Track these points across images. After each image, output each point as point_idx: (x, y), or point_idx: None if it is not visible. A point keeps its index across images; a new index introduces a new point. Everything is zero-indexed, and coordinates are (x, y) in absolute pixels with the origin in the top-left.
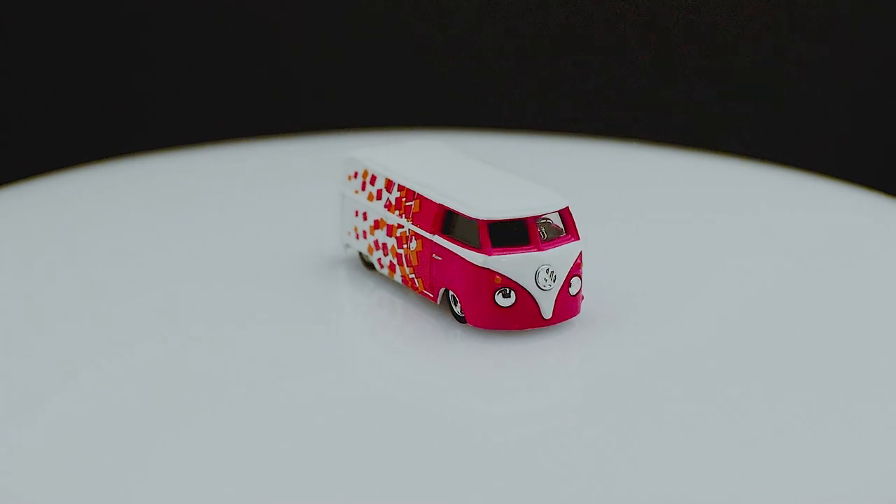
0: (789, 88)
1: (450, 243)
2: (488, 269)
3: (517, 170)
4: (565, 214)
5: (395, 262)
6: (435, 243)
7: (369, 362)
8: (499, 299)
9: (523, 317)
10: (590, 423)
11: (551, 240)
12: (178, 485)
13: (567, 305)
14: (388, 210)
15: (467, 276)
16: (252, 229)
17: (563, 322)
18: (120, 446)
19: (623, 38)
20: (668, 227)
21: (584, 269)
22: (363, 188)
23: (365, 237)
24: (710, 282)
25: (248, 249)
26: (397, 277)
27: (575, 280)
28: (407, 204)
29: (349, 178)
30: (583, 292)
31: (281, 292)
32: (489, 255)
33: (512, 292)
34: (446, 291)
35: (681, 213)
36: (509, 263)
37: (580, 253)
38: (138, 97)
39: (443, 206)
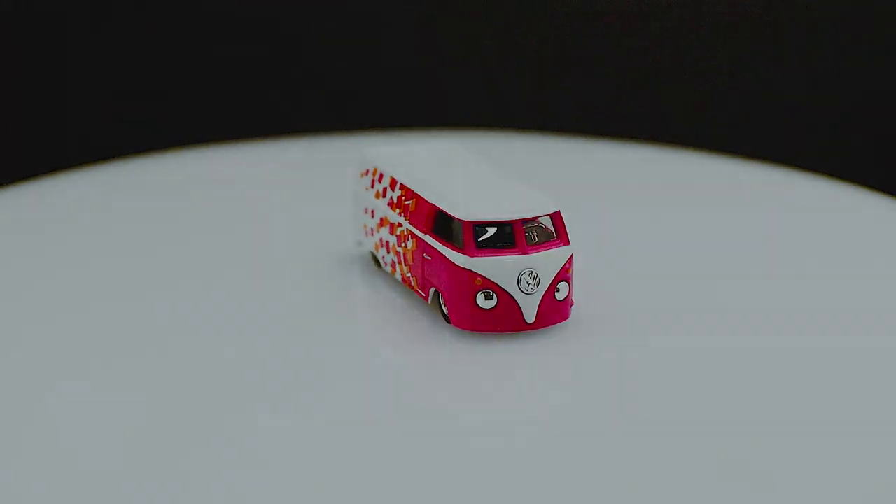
0: (789, 88)
1: (437, 243)
2: (469, 269)
3: (535, 171)
4: (556, 219)
5: (395, 260)
6: (426, 243)
7: (358, 363)
8: (480, 301)
9: (505, 320)
10: (575, 429)
11: (540, 243)
12: (168, 480)
13: (553, 310)
14: (391, 208)
15: (450, 277)
16: (265, 227)
17: (551, 327)
18: (118, 450)
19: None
20: (666, 228)
21: (578, 274)
22: (372, 185)
23: (372, 234)
24: (707, 284)
25: (255, 248)
26: (398, 276)
27: (562, 285)
28: (406, 203)
29: (361, 175)
30: (574, 298)
31: (283, 290)
32: (471, 256)
33: (494, 294)
34: (436, 292)
35: (679, 214)
36: (490, 265)
37: (570, 258)
38: (161, 94)
39: (434, 205)
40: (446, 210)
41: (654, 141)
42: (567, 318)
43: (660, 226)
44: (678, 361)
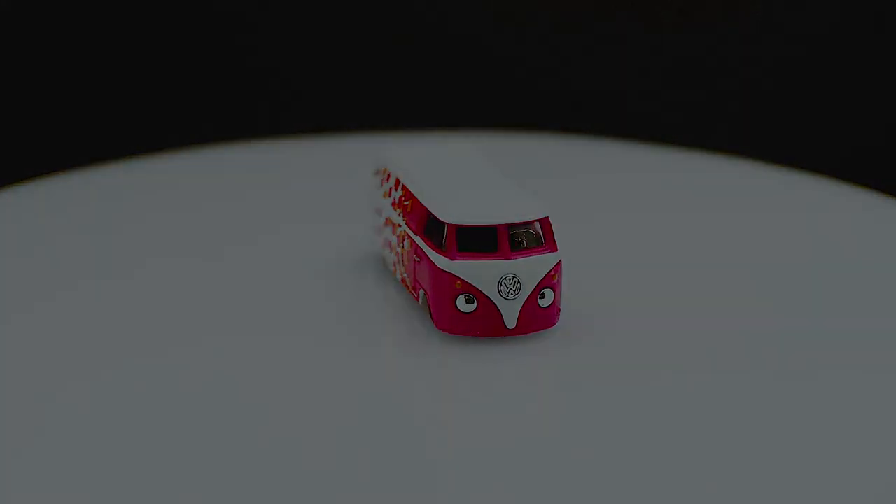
0: (789, 88)
1: (425, 245)
2: (450, 273)
3: (551, 173)
4: (544, 225)
5: (395, 260)
6: (416, 244)
7: (346, 365)
8: (460, 304)
9: (485, 325)
10: (557, 436)
11: (527, 249)
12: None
13: (536, 317)
14: (394, 208)
15: (433, 279)
16: (280, 224)
17: (537, 333)
18: (116, 437)
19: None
20: (666, 230)
21: (571, 279)
22: (381, 185)
23: (380, 234)
24: (705, 286)
25: (266, 245)
26: (398, 276)
27: (547, 292)
28: (405, 203)
29: (375, 174)
30: (561, 304)
31: (285, 289)
32: (453, 259)
33: (475, 299)
34: (425, 293)
35: (678, 215)
36: (471, 269)
37: (557, 265)
38: (187, 93)
39: (426, 207)
40: (433, 212)
41: (654, 141)
42: (553, 325)
43: (659, 228)
44: (676, 365)
